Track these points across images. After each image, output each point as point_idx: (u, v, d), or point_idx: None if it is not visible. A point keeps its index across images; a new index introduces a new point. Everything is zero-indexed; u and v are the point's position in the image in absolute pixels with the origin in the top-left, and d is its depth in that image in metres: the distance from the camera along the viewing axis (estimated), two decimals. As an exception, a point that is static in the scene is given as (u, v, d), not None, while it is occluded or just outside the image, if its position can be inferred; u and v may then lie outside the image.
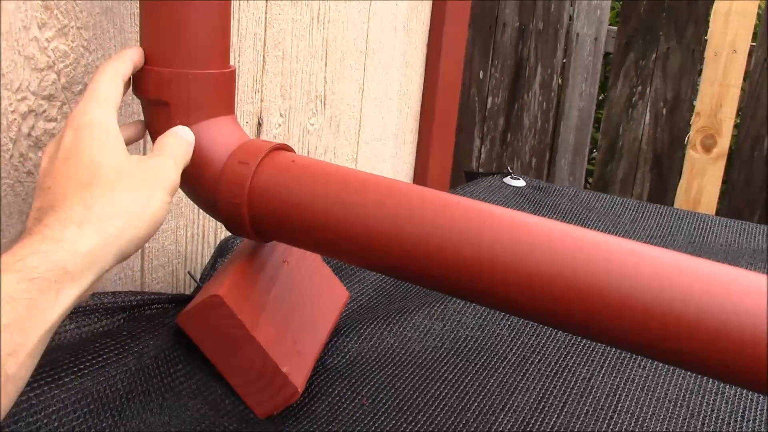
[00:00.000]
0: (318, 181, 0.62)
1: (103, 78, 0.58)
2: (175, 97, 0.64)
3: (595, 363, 0.80)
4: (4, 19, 0.60)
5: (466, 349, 0.81)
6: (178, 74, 0.63)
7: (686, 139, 2.35)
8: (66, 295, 0.46)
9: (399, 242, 0.58)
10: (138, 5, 0.72)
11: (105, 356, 0.60)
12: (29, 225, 0.50)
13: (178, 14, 0.62)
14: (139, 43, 0.70)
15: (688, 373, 0.78)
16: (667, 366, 0.79)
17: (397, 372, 0.76)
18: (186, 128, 0.62)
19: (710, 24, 2.22)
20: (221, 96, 0.67)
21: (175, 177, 0.56)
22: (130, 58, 0.61)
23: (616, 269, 0.52)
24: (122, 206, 0.50)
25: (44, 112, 0.65)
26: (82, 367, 0.58)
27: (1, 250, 0.63)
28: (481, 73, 2.57)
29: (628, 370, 0.79)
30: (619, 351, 0.82)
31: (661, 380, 0.78)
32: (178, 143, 0.59)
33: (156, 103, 0.65)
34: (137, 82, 0.65)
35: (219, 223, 0.92)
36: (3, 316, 0.41)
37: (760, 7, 2.20)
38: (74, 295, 0.46)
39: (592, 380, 0.77)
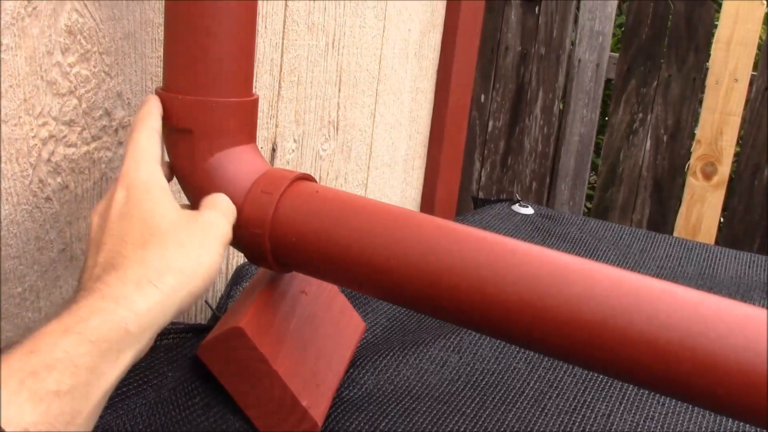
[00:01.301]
0: (342, 213, 0.61)
1: (143, 135, 0.58)
2: (198, 124, 0.63)
3: (614, 399, 0.79)
4: (28, 44, 0.59)
5: (483, 383, 0.80)
6: (201, 102, 0.62)
7: (686, 166, 2.35)
8: (126, 356, 0.45)
9: (423, 276, 0.58)
10: (160, 31, 0.72)
11: (125, 389, 0.59)
12: (87, 283, 0.49)
13: (202, 42, 0.62)
14: (162, 69, 0.70)
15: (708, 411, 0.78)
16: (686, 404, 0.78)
17: (414, 405, 0.74)
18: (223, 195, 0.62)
19: (711, 52, 2.24)
20: (244, 124, 0.66)
21: (228, 230, 0.57)
22: (158, 112, 0.62)
23: (641, 308, 0.51)
24: (177, 262, 0.51)
25: (64, 137, 0.65)
26: (101, 400, 0.56)
27: (3, 279, 0.62)
28: (483, 96, 2.58)
29: (648, 407, 0.78)
30: (637, 387, 0.81)
31: (681, 417, 0.77)
32: (226, 200, 0.60)
33: (178, 131, 0.64)
34: (160, 109, 0.64)
35: (232, 249, 0.91)
36: (63, 383, 0.40)
37: (761, 37, 2.22)
38: (133, 354, 0.46)
39: (612, 417, 0.76)
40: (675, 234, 2.33)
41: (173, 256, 0.51)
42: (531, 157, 2.56)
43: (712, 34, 2.25)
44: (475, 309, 0.56)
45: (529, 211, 1.32)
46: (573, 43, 2.47)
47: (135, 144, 0.58)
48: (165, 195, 0.55)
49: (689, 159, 2.34)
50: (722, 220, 2.37)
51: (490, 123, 2.59)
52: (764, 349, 0.48)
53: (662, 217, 2.42)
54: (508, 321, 0.55)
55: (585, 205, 2.62)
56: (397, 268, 0.58)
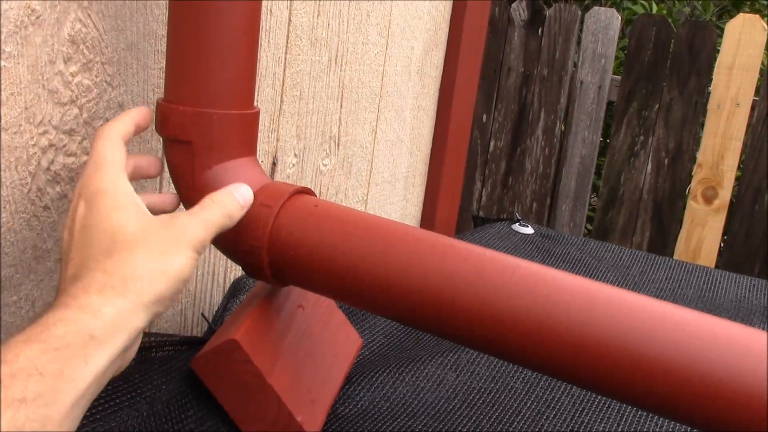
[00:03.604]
0: (341, 228, 0.61)
1: (105, 142, 0.56)
2: (198, 136, 0.63)
3: (611, 420, 0.78)
4: (30, 52, 0.59)
5: (480, 402, 0.79)
6: (202, 114, 0.62)
7: (687, 189, 2.36)
8: (96, 360, 0.45)
9: (422, 292, 0.57)
10: (163, 42, 0.72)
11: (117, 400, 0.58)
12: (56, 299, 0.49)
13: (205, 54, 0.62)
14: (163, 80, 0.70)
15: None
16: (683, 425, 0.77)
17: (410, 423, 0.74)
18: (245, 187, 0.60)
19: (714, 77, 2.25)
20: (244, 137, 0.66)
21: (203, 235, 0.55)
22: (132, 118, 0.60)
23: (641, 328, 0.51)
24: (143, 267, 0.50)
25: (64, 146, 0.65)
26: (94, 411, 0.56)
27: (3, 287, 0.62)
28: (485, 116, 2.58)
29: (645, 429, 0.77)
30: (634, 408, 0.80)
31: (679, 440, 0.76)
32: (216, 207, 0.57)
33: (178, 142, 0.64)
34: (160, 120, 0.64)
35: (229, 262, 0.90)
36: (29, 390, 0.41)
37: (762, 62, 2.23)
38: (105, 358, 0.46)
39: (609, 438, 0.75)
40: (675, 258, 2.32)
41: (139, 262, 0.50)
42: (532, 178, 2.56)
43: (715, 59, 2.26)
44: (473, 326, 0.56)
45: (529, 230, 1.32)
46: (575, 65, 2.48)
47: (94, 151, 0.56)
48: (130, 201, 0.53)
49: (690, 182, 2.34)
50: (722, 244, 2.37)
51: (492, 143, 2.59)
52: (764, 372, 0.48)
53: (662, 241, 2.42)
54: (507, 339, 0.55)
55: (585, 227, 2.62)
56: (395, 283, 0.58)
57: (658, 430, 0.77)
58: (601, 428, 0.77)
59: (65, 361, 0.43)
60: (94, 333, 0.45)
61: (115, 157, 0.55)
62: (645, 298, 0.53)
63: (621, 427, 0.77)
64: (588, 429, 0.77)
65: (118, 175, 0.55)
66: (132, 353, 0.51)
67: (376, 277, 0.59)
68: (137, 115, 0.61)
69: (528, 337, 0.54)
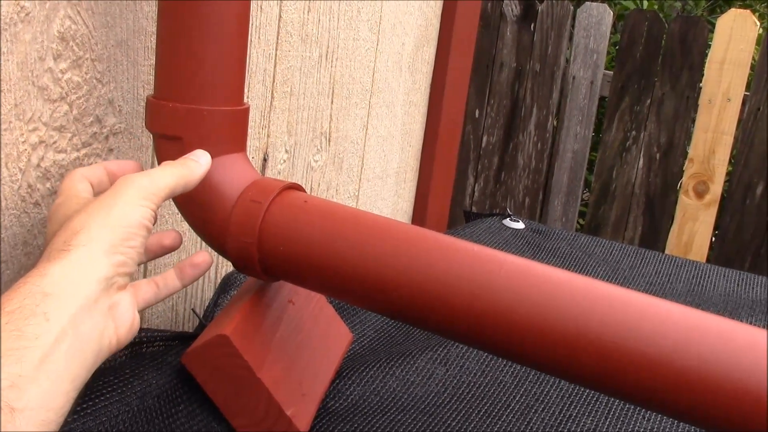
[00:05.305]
0: (331, 223, 0.61)
1: (66, 179, 0.59)
2: (188, 132, 0.63)
3: (599, 413, 0.79)
4: (20, 49, 0.59)
5: (469, 396, 0.79)
6: (192, 110, 0.63)
7: (679, 184, 2.36)
8: (57, 315, 0.45)
9: (411, 287, 0.58)
10: (153, 39, 0.72)
11: (108, 395, 0.59)
12: None
13: (194, 50, 0.62)
14: (153, 76, 0.70)
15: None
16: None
17: (399, 417, 0.74)
18: (203, 154, 0.60)
19: (705, 72, 2.25)
20: (234, 133, 0.66)
21: (147, 182, 0.54)
22: (104, 165, 0.62)
23: (631, 323, 0.51)
24: (84, 222, 0.50)
25: (54, 143, 0.65)
26: (85, 406, 0.56)
27: (2, 283, 0.62)
28: (477, 112, 2.59)
29: (633, 422, 0.78)
30: (622, 402, 0.81)
31: (666, 433, 0.77)
32: (170, 165, 0.58)
33: (168, 138, 0.64)
34: (150, 117, 0.64)
35: (220, 258, 0.91)
36: None
37: (753, 57, 2.24)
38: (68, 312, 0.46)
39: (597, 431, 0.76)
40: (667, 252, 2.34)
41: (81, 220, 0.50)
42: (524, 173, 2.56)
43: (706, 54, 2.26)
44: (462, 321, 0.56)
45: (520, 225, 1.32)
46: (568, 60, 2.48)
47: (59, 189, 0.59)
48: (76, 199, 0.55)
49: (682, 177, 2.35)
50: (714, 239, 2.38)
51: (484, 138, 2.60)
52: (764, 369, 0.48)
53: (654, 235, 2.43)
54: (495, 333, 0.55)
55: (577, 222, 2.63)
56: (384, 278, 0.58)
57: (645, 423, 0.78)
58: (589, 421, 0.78)
59: (22, 321, 0.44)
60: (46, 290, 0.45)
61: (72, 185, 0.58)
62: (633, 292, 0.54)
63: (609, 420, 0.78)
64: (576, 422, 0.77)
65: (72, 192, 0.57)
66: (126, 321, 0.51)
67: (366, 273, 0.59)
68: (112, 164, 0.62)
69: (516, 332, 0.54)
